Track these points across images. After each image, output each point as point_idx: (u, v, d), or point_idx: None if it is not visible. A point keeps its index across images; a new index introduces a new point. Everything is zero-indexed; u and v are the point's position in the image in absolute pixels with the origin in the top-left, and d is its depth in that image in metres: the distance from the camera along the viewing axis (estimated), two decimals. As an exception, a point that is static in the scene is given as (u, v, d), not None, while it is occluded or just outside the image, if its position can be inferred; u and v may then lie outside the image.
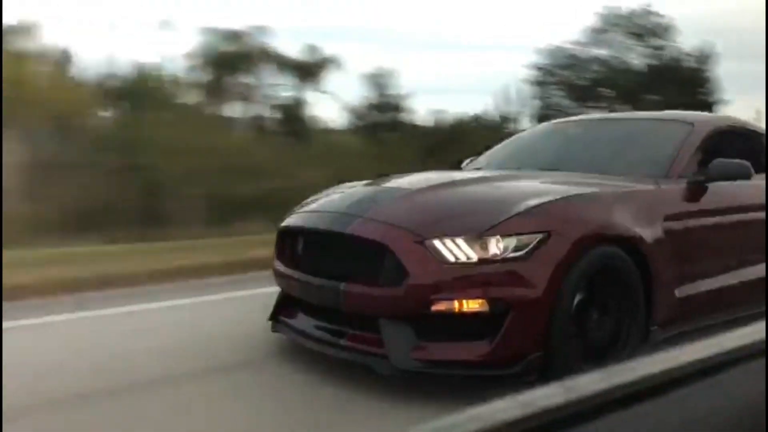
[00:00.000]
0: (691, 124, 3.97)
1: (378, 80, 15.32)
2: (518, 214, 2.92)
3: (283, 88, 13.93)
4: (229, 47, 13.21)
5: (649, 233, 3.20)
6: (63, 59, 11.28)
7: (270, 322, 3.58)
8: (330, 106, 16.05)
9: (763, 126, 4.75)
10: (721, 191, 3.64)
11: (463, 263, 2.82)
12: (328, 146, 12.72)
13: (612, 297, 3.07)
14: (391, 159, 11.43)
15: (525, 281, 2.81)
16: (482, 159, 4.71)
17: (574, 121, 5.19)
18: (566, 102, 18.19)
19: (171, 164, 9.49)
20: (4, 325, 3.77)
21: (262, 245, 5.28)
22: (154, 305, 4.53)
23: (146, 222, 8.92)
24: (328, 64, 14.14)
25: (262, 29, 13.29)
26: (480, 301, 2.79)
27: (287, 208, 3.88)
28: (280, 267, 3.55)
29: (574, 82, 18.25)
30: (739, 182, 3.62)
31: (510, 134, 6.33)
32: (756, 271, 3.80)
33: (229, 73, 13.13)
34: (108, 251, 6.75)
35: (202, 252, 6.38)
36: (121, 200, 8.97)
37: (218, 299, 4.82)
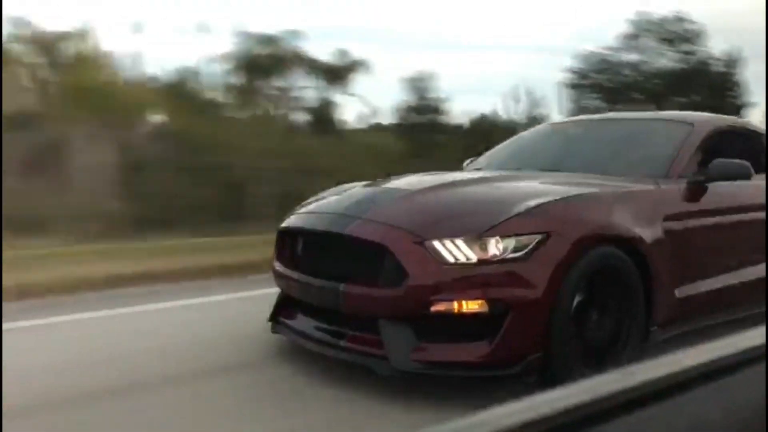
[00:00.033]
0: (691, 124, 3.97)
1: (417, 84, 15.95)
2: (518, 214, 2.91)
3: (312, 90, 14.32)
4: (263, 51, 13.59)
5: (648, 233, 3.19)
6: (122, 63, 11.59)
7: (270, 323, 3.59)
8: (357, 107, 16.39)
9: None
10: (721, 191, 3.64)
11: (463, 264, 2.82)
12: (370, 146, 13.05)
13: (612, 297, 3.07)
14: (435, 157, 11.98)
15: (524, 282, 2.81)
16: (482, 159, 4.70)
17: (574, 121, 5.18)
18: (598, 104, 18.84)
19: (245, 164, 9.97)
20: (129, 310, 4.52)
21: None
22: (257, 292, 4.72)
23: (228, 218, 9.35)
24: (356, 68, 14.54)
25: (295, 33, 13.70)
26: (479, 301, 2.79)
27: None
28: (280, 268, 3.54)
29: (606, 85, 19.10)
30: (739, 182, 3.62)
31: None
32: (756, 272, 3.80)
33: (262, 77, 13.45)
34: (197, 244, 7.28)
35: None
36: (203, 198, 9.48)
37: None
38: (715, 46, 19.33)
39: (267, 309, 3.65)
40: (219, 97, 12.58)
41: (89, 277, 5.33)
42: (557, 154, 4.32)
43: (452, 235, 2.85)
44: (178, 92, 12.05)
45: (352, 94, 14.57)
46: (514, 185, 3.43)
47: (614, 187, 3.40)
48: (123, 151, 9.66)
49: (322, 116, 14.05)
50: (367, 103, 16.80)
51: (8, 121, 8.89)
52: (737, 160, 3.59)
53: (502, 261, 2.81)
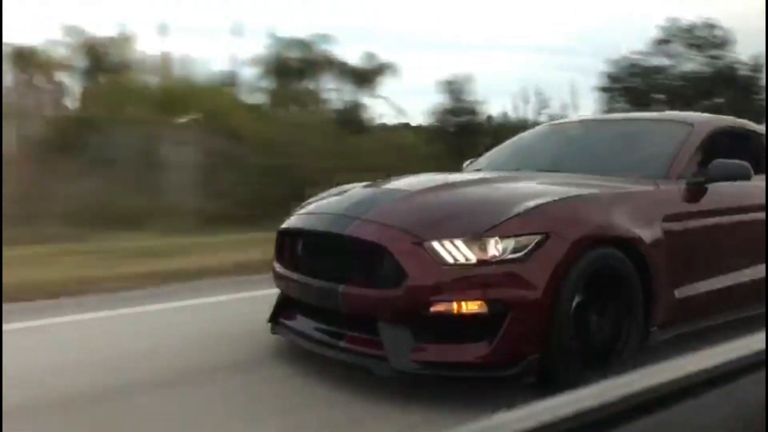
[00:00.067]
0: (691, 124, 3.97)
1: (453, 87, 16.48)
2: (517, 215, 2.91)
3: (341, 93, 14.69)
4: (294, 54, 13.97)
5: (648, 234, 3.19)
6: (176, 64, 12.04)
7: (269, 324, 3.58)
8: (385, 109, 16.75)
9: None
10: (721, 192, 3.63)
11: (462, 265, 2.82)
12: (407, 146, 13.37)
13: (611, 298, 3.07)
14: (469, 156, 12.56)
15: (524, 282, 2.81)
16: (482, 160, 4.70)
17: (574, 122, 5.18)
18: (625, 106, 19.37)
19: (312, 163, 10.31)
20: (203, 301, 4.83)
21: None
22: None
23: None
24: (384, 71, 14.89)
25: (325, 37, 14.06)
26: (479, 302, 2.78)
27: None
28: (280, 269, 3.54)
29: (634, 88, 19.98)
30: (738, 183, 3.61)
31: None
32: (756, 272, 3.80)
33: (294, 80, 13.79)
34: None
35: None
36: (276, 195, 9.74)
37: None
38: (743, 51, 20.02)
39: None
40: (259, 100, 13.02)
41: (216, 265, 5.92)
42: (557, 155, 4.31)
43: (451, 236, 2.85)
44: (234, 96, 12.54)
45: (380, 96, 14.97)
46: (514, 186, 3.43)
47: (614, 187, 3.39)
48: (206, 151, 10.29)
49: (353, 117, 14.33)
50: (393, 104, 17.16)
51: (108, 122, 9.90)
52: (737, 161, 3.58)
53: (502, 262, 2.81)
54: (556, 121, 5.39)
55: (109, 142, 9.61)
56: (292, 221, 3.61)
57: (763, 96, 18.82)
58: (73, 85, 11.46)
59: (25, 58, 10.99)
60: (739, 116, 4.89)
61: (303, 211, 3.67)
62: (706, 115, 4.54)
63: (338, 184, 3.99)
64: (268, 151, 10.48)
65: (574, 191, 3.22)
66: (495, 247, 2.81)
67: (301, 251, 3.47)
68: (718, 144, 3.94)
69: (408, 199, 3.25)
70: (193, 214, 8.82)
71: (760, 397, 0.62)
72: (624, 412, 0.57)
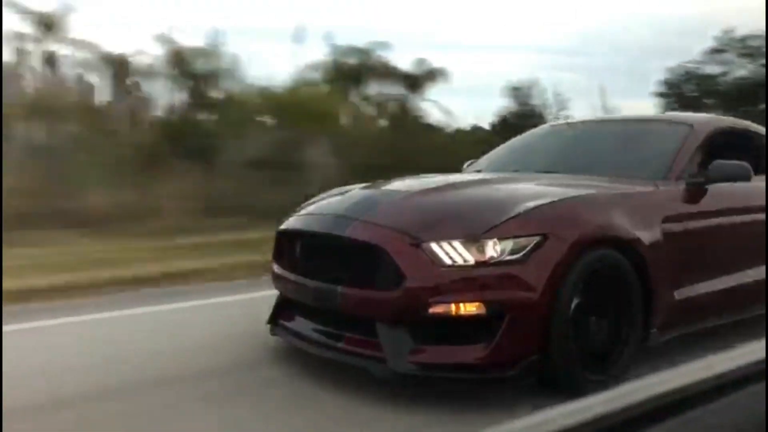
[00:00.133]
0: (691, 125, 3.95)
1: (519, 92, 17.69)
2: (515, 216, 2.90)
3: (394, 96, 15.10)
4: (353, 60, 14.51)
5: (647, 235, 3.18)
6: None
7: (269, 326, 3.57)
8: (436, 112, 17.10)
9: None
10: (721, 193, 3.62)
11: (460, 266, 2.81)
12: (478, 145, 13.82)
13: (610, 299, 3.06)
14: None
15: (522, 284, 2.80)
16: (482, 161, 4.70)
17: (573, 122, 5.17)
18: (679, 110, 20.53)
19: (413, 162, 10.58)
20: None
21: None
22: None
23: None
24: (435, 76, 15.34)
25: (383, 45, 14.69)
26: (477, 303, 2.78)
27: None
28: (279, 270, 3.53)
29: (684, 94, 21.74)
30: (738, 184, 3.60)
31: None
32: (756, 274, 3.78)
33: (352, 85, 14.19)
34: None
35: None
36: None
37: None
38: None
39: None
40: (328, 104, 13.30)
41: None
42: (556, 156, 4.30)
43: (450, 237, 2.84)
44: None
45: (431, 100, 15.50)
46: (512, 187, 3.42)
47: (613, 188, 3.38)
48: (334, 151, 11.10)
49: (409, 120, 14.74)
50: (442, 107, 17.61)
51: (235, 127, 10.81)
52: (737, 162, 3.57)
53: (500, 263, 2.80)
54: (557, 122, 5.37)
55: (238, 146, 10.48)
56: (291, 222, 3.60)
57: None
58: (164, 92, 12.13)
59: (120, 65, 11.71)
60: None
61: (302, 212, 3.66)
62: (705, 115, 4.53)
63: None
64: (376, 152, 10.97)
65: (572, 192, 3.22)
66: (493, 249, 2.80)
67: (300, 252, 3.46)
68: (718, 145, 3.92)
69: (407, 200, 3.24)
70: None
71: (760, 408, 0.62)
72: (624, 423, 0.56)
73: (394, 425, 2.71)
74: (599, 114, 16.94)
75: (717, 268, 3.63)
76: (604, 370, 2.99)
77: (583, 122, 5.01)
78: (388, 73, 14.74)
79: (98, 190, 8.62)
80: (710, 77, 21.62)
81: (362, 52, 14.45)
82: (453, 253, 2.82)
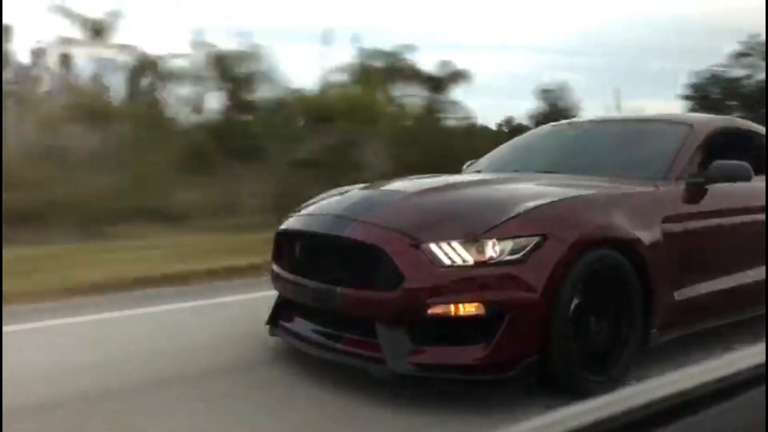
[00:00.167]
0: (691, 125, 3.94)
1: (549, 93, 18.12)
2: (515, 216, 2.89)
3: (418, 98, 15.39)
4: (379, 63, 14.78)
5: (647, 236, 3.17)
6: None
7: (267, 327, 3.57)
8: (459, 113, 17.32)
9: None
10: (721, 193, 3.61)
11: (460, 266, 2.80)
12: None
13: (610, 300, 3.05)
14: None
15: (521, 284, 2.79)
16: (482, 161, 4.69)
17: (573, 123, 5.16)
18: (703, 112, 20.63)
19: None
20: None
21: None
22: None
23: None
24: (458, 78, 15.71)
25: (410, 47, 15.03)
26: (476, 304, 2.77)
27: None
28: (278, 270, 3.53)
29: (709, 96, 22.32)
30: (738, 184, 3.60)
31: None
32: (756, 274, 3.78)
33: (378, 87, 14.38)
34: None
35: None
36: None
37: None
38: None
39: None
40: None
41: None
42: (556, 156, 4.30)
43: (449, 238, 2.83)
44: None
45: (454, 101, 15.77)
46: (512, 187, 3.41)
47: (613, 188, 3.38)
48: (388, 149, 11.52)
49: (436, 120, 15.05)
50: (465, 109, 17.92)
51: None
52: (737, 162, 3.56)
53: (499, 263, 2.79)
54: (557, 122, 5.36)
55: (290, 146, 10.92)
56: (290, 222, 3.60)
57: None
58: (204, 95, 12.41)
59: (156, 67, 12.07)
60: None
61: (301, 212, 3.65)
62: (705, 115, 4.53)
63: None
64: (428, 152, 11.18)
65: (572, 192, 3.21)
66: (492, 249, 2.80)
67: (299, 253, 3.45)
68: (718, 145, 3.92)
69: (406, 200, 3.24)
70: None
71: (761, 413, 0.61)
72: (624, 427, 0.56)
73: (394, 425, 2.71)
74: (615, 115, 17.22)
75: (717, 268, 3.62)
76: (604, 371, 2.99)
77: (584, 122, 5.01)
78: (413, 75, 15.01)
79: (173, 188, 9.17)
80: (735, 80, 22.17)
81: (389, 55, 14.78)
82: (452, 253, 2.81)
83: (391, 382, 2.91)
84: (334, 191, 3.83)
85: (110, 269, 5.66)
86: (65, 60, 12.21)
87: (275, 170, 10.16)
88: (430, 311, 2.79)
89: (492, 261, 2.79)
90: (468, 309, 2.78)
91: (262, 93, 12.35)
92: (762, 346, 0.67)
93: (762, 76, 21.23)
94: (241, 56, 12.10)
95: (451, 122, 15.28)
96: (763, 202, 3.76)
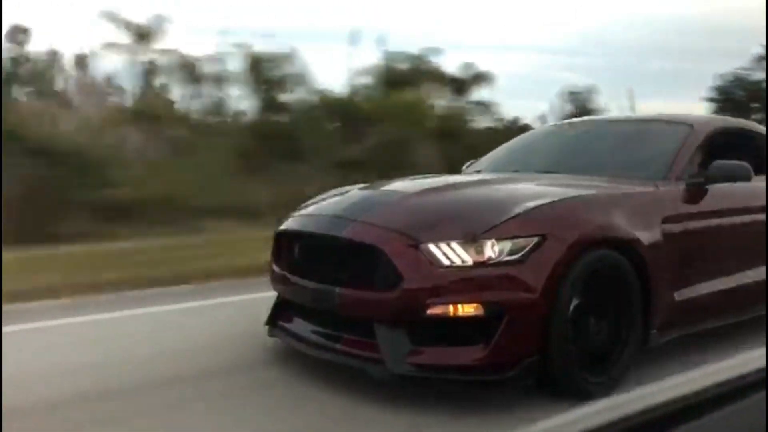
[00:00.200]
0: (690, 125, 3.93)
1: (577, 96, 18.37)
2: (514, 217, 2.89)
3: (442, 100, 15.55)
4: (404, 66, 14.89)
5: (647, 236, 3.16)
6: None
7: (266, 327, 3.56)
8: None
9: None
10: (721, 193, 3.61)
11: (458, 267, 2.79)
12: None
13: (610, 300, 3.04)
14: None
15: (521, 285, 2.78)
16: (482, 161, 4.68)
17: (573, 123, 5.15)
18: (728, 115, 20.88)
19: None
20: None
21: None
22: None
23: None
24: (480, 80, 15.82)
25: (435, 50, 15.11)
26: (475, 305, 2.76)
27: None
28: (277, 271, 3.52)
29: (736, 99, 22.74)
30: (738, 184, 3.59)
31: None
32: (756, 274, 3.77)
33: (400, 89, 14.48)
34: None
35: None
36: None
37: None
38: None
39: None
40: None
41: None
42: (556, 156, 4.29)
43: (448, 238, 2.82)
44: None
45: (479, 103, 15.89)
46: (511, 187, 3.41)
47: (612, 188, 3.37)
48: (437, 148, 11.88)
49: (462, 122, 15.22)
50: (487, 110, 18.12)
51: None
52: (737, 162, 3.55)
53: (498, 264, 2.78)
54: (557, 122, 5.35)
55: (332, 147, 11.37)
56: (289, 223, 3.59)
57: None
58: (241, 96, 12.60)
59: (193, 68, 12.28)
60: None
61: (300, 213, 3.64)
62: (705, 115, 4.52)
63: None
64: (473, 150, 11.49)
65: (572, 192, 3.20)
66: (491, 249, 2.79)
67: (298, 253, 3.45)
68: (718, 145, 3.91)
69: (405, 200, 3.23)
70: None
71: (761, 418, 0.60)
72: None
73: (394, 425, 2.70)
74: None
75: (717, 268, 3.61)
76: (604, 371, 2.98)
77: (584, 122, 5.00)
78: (438, 77, 15.22)
79: (239, 187, 9.53)
80: (758, 83, 22.45)
81: (415, 58, 14.99)
82: (451, 253, 2.80)
83: (390, 383, 2.90)
84: (333, 191, 3.82)
85: (244, 256, 5.96)
86: (81, 62, 12.36)
87: (321, 170, 10.33)
88: (429, 312, 2.78)
89: (491, 261, 2.78)
90: (467, 309, 2.77)
91: (295, 95, 12.65)
92: (762, 351, 0.66)
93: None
94: (276, 59, 12.38)
95: (486, 122, 15.64)
96: (763, 202, 3.75)
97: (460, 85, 15.55)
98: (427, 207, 3.15)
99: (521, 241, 2.81)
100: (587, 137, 4.41)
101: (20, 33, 13.40)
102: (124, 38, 11.87)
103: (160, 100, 12.15)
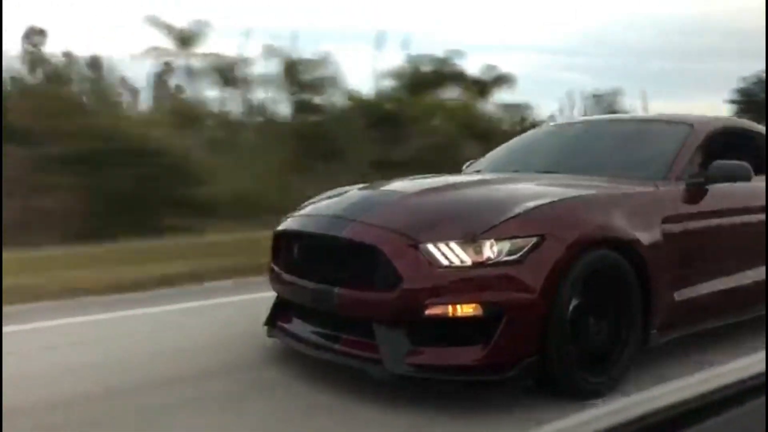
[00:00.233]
0: (691, 125, 3.93)
1: (602, 99, 18.44)
2: (513, 217, 2.88)
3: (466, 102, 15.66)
4: (428, 68, 15.05)
5: (647, 236, 3.16)
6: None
7: (266, 328, 3.55)
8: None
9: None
10: (721, 193, 3.60)
11: (457, 267, 2.79)
12: None
13: (609, 300, 3.04)
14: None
15: (519, 285, 2.78)
16: (482, 161, 4.67)
17: (573, 122, 5.15)
18: (749, 116, 21.08)
19: None
20: None
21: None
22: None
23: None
24: (502, 82, 15.97)
25: (458, 53, 15.30)
26: (474, 305, 2.76)
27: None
28: (276, 271, 3.51)
29: (757, 100, 22.66)
30: (738, 184, 3.58)
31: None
32: (756, 274, 3.76)
33: (423, 92, 14.74)
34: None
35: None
36: None
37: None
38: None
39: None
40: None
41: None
42: (556, 156, 4.28)
43: (447, 238, 2.82)
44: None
45: (502, 104, 16.08)
46: (511, 187, 3.40)
47: (612, 188, 3.36)
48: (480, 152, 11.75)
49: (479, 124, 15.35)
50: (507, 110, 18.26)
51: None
52: (737, 162, 3.55)
53: (497, 264, 2.78)
54: (557, 122, 5.35)
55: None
56: (288, 223, 3.58)
57: None
58: (277, 99, 12.77)
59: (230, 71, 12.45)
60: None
61: (300, 213, 3.64)
62: (705, 115, 4.51)
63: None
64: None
65: (571, 192, 3.20)
66: (490, 250, 2.78)
67: (298, 253, 3.44)
68: (718, 145, 3.90)
69: (404, 201, 3.23)
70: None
71: (761, 423, 0.60)
72: None
73: (393, 426, 2.70)
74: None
75: (717, 268, 3.61)
76: (604, 372, 2.97)
77: (584, 122, 4.99)
78: (461, 79, 15.39)
79: (295, 185, 9.64)
80: None
81: (440, 61, 15.17)
82: (450, 254, 2.80)
83: (390, 383, 2.89)
84: (333, 191, 3.82)
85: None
86: (95, 63, 12.44)
87: (362, 170, 10.41)
88: (428, 312, 2.77)
89: (490, 261, 2.78)
90: (466, 310, 2.76)
91: (329, 97, 12.90)
92: (762, 355, 0.65)
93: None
94: (311, 63, 12.64)
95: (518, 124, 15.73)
96: (763, 202, 3.75)
97: (482, 87, 15.69)
98: (427, 207, 3.14)
99: (520, 241, 2.80)
100: (587, 137, 4.40)
101: (36, 34, 13.45)
102: (167, 42, 12.26)
103: (197, 102, 12.45)
